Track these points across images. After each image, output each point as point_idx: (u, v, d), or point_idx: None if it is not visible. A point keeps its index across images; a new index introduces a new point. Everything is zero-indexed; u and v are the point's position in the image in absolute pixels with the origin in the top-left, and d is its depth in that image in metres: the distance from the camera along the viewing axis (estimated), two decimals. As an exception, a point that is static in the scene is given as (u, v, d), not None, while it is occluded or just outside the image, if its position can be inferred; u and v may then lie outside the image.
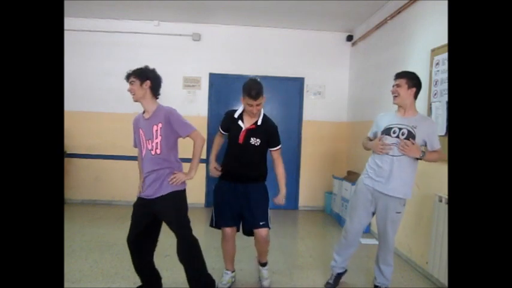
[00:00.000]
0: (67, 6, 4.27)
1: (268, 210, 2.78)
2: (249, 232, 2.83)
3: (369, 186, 2.69)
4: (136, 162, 2.63)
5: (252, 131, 2.69)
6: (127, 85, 2.46)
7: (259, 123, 2.71)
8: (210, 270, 3.18)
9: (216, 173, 2.80)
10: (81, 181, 5.58)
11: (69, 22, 5.08)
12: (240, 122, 2.72)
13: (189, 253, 2.50)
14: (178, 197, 2.48)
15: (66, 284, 2.72)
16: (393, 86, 2.66)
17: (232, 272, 2.98)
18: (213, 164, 2.82)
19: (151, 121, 2.44)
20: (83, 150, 5.57)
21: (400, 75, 2.66)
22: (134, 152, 2.64)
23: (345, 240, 2.86)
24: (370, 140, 2.82)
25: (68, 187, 5.42)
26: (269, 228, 2.76)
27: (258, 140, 2.69)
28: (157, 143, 2.42)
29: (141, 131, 2.48)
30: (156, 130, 2.42)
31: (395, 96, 2.63)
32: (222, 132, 2.86)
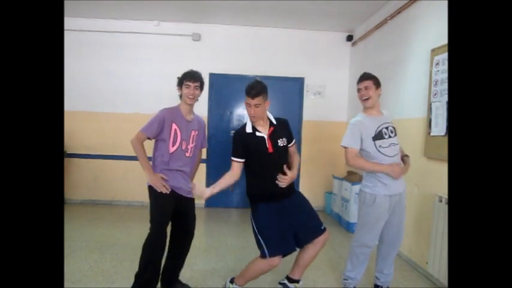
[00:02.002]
0: (67, 6, 4.27)
1: None
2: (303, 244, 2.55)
3: (386, 195, 2.58)
4: (137, 161, 2.57)
5: (275, 133, 2.47)
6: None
7: (274, 122, 2.52)
8: (210, 270, 3.20)
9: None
10: (81, 181, 5.58)
11: (69, 22, 5.07)
12: (258, 133, 2.44)
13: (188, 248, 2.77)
14: None
15: (66, 284, 2.71)
16: (359, 90, 2.61)
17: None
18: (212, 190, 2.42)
19: (192, 125, 2.62)
20: (83, 150, 5.56)
21: (365, 77, 2.61)
22: (134, 152, 2.60)
23: (363, 256, 2.71)
24: (354, 150, 2.60)
25: (68, 187, 5.42)
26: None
27: (284, 139, 2.48)
28: (192, 147, 2.62)
29: (176, 127, 2.53)
30: (194, 135, 2.62)
31: (367, 99, 2.59)
32: (240, 161, 2.44)
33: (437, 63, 3.20)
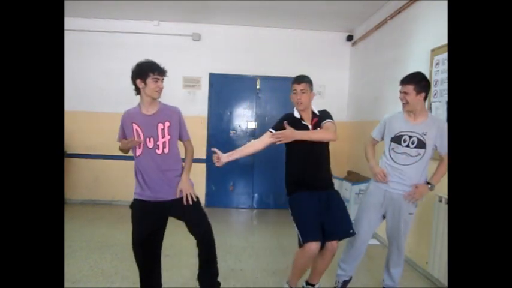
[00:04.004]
0: (67, 6, 4.26)
1: None
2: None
3: (381, 188, 2.62)
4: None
5: (318, 124, 2.52)
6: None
7: (317, 113, 2.57)
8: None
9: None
10: (81, 181, 5.59)
11: (69, 22, 5.07)
12: (303, 122, 2.53)
13: (212, 250, 2.63)
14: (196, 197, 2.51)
15: (66, 284, 2.72)
16: (400, 92, 2.55)
17: None
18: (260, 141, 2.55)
19: (156, 118, 2.40)
20: (83, 150, 5.57)
21: (406, 81, 2.52)
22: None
23: (352, 246, 2.74)
24: (374, 140, 2.80)
25: (68, 187, 5.42)
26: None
27: None
28: (164, 142, 2.40)
29: (137, 127, 2.40)
30: (163, 129, 2.40)
31: (405, 104, 2.54)
32: (274, 132, 2.49)
33: (437, 63, 3.20)
